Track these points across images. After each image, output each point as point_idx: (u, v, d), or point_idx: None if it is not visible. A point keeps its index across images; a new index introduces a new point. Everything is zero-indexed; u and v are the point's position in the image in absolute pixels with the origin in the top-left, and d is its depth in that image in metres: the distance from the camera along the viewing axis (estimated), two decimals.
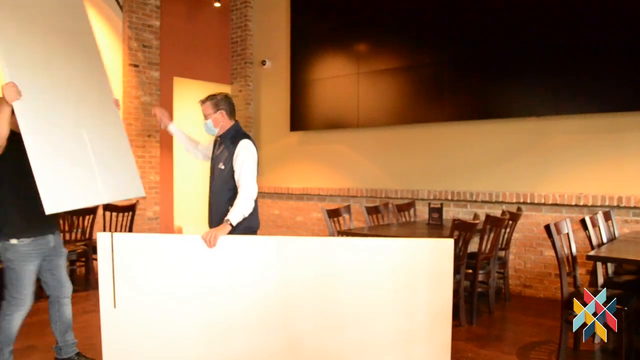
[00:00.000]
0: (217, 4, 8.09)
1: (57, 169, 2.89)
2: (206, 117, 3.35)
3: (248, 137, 3.36)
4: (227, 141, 3.34)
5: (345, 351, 2.94)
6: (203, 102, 3.38)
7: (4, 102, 2.79)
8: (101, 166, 3.24)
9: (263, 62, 7.91)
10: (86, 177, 3.11)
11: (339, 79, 6.94)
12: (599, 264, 3.77)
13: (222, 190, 3.31)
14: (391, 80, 6.43)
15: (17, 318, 3.13)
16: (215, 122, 3.35)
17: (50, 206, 2.72)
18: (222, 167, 3.31)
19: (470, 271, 4.54)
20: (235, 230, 3.12)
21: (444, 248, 3.01)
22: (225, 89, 8.35)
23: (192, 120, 9.02)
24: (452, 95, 5.96)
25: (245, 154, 3.25)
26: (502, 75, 5.61)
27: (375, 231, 4.70)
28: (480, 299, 4.83)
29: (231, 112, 3.39)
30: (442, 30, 5.99)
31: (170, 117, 3.69)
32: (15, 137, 2.93)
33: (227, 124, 3.38)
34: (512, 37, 5.48)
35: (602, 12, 4.95)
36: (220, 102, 3.35)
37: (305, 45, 7.34)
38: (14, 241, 3.08)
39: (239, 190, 3.20)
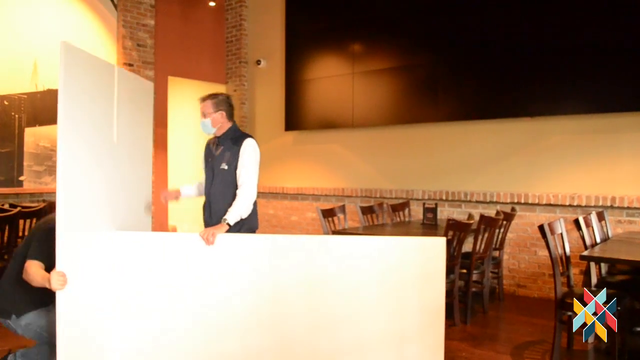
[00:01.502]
0: (212, 3, 8.07)
1: (77, 336, 2.69)
2: (205, 115, 3.26)
3: (251, 136, 3.31)
4: (228, 142, 3.28)
5: (338, 351, 2.93)
6: (203, 99, 3.29)
7: (48, 280, 2.51)
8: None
9: (258, 62, 7.89)
10: (99, 343, 2.88)
11: (333, 78, 6.94)
12: (592, 264, 3.77)
13: (224, 194, 3.23)
14: (386, 80, 6.43)
15: None
16: (214, 121, 3.27)
17: None
18: (226, 167, 3.24)
19: (464, 271, 4.54)
20: (237, 231, 3.10)
21: (436, 247, 3.00)
22: (220, 88, 8.33)
23: (185, 119, 9.01)
24: (447, 96, 5.96)
25: (250, 153, 3.22)
26: (496, 76, 5.62)
27: (370, 231, 4.70)
28: (475, 298, 4.84)
29: (231, 114, 3.34)
30: (436, 30, 6.00)
31: (175, 195, 3.48)
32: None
33: (226, 125, 3.32)
34: (506, 37, 5.49)
35: (596, 12, 4.97)
36: (221, 103, 3.29)
37: (300, 44, 7.33)
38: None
39: (239, 190, 3.15)
